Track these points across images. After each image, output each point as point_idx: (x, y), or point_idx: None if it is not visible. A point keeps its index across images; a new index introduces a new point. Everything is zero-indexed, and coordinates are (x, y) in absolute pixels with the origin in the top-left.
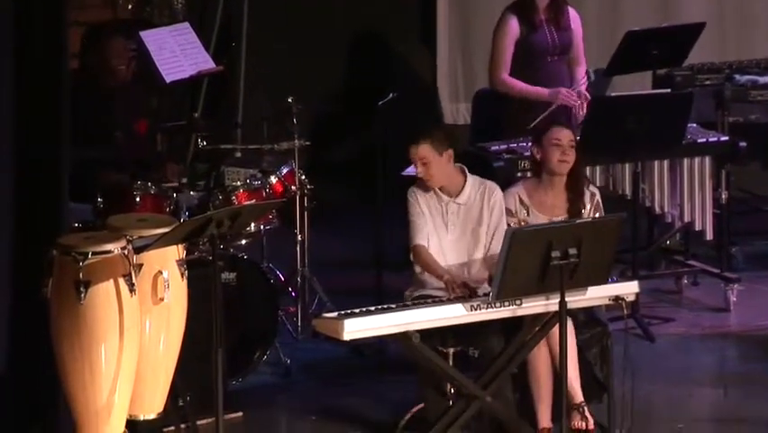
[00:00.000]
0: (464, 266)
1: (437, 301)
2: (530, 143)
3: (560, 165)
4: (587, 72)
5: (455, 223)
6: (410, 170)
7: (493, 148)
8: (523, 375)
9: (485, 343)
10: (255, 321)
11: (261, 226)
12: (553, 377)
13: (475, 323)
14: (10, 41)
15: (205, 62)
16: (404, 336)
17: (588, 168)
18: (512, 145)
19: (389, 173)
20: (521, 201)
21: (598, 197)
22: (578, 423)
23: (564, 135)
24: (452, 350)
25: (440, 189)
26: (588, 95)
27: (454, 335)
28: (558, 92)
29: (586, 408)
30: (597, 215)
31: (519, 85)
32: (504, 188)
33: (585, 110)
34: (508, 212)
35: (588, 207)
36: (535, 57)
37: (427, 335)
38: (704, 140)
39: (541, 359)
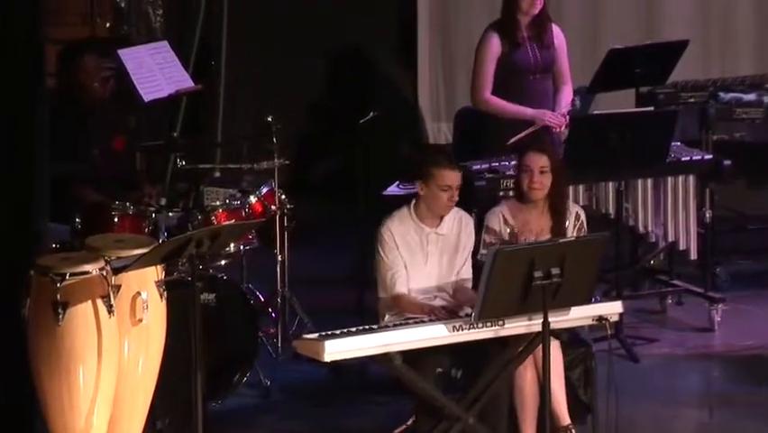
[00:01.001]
0: (441, 294)
1: (419, 322)
2: (514, 164)
3: (530, 192)
4: (572, 100)
5: (434, 253)
6: (392, 190)
7: (475, 167)
8: (509, 395)
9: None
10: (235, 342)
11: (241, 246)
12: (539, 398)
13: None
14: None
15: (184, 81)
16: (385, 358)
17: (571, 186)
18: (494, 164)
19: (371, 192)
20: (505, 221)
21: (583, 217)
22: None
23: (535, 161)
24: (439, 370)
25: (421, 221)
26: (567, 121)
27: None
28: (543, 114)
29: (573, 430)
30: (581, 234)
31: (502, 104)
32: (485, 208)
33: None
34: (492, 231)
35: (572, 225)
36: (518, 75)
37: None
38: (688, 158)
39: (527, 380)
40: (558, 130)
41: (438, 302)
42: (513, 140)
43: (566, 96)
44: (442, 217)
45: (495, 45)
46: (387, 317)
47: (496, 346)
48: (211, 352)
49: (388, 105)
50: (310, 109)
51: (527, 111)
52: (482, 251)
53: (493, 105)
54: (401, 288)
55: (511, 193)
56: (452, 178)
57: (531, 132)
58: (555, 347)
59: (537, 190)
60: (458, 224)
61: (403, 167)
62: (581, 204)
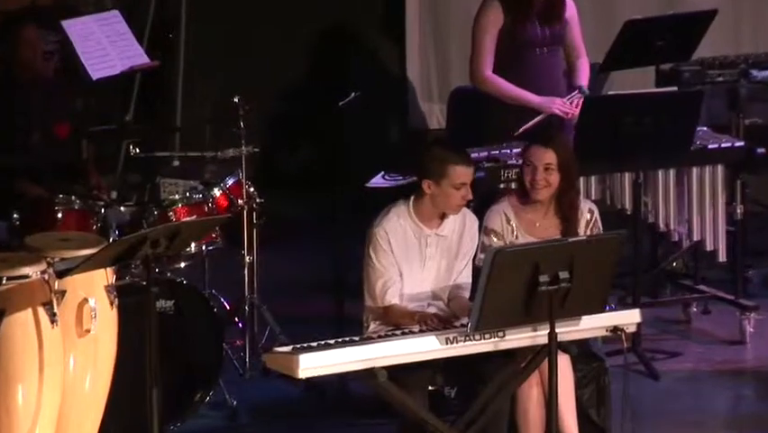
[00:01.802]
0: (437, 302)
1: (407, 333)
2: (516, 152)
3: (531, 189)
4: (579, 88)
5: (433, 257)
6: (376, 181)
7: (472, 156)
8: (512, 417)
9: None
10: (196, 356)
11: (203, 247)
12: (546, 421)
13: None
14: None
15: (138, 56)
16: (368, 374)
17: (582, 178)
18: (494, 152)
19: (352, 184)
20: (507, 221)
21: (596, 213)
22: None
23: (538, 157)
24: (430, 388)
25: (421, 221)
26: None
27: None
28: (551, 102)
29: None
30: (594, 233)
31: (505, 86)
32: (485, 202)
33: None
34: (494, 233)
35: (583, 224)
36: (523, 49)
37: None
38: (716, 145)
39: (532, 400)
40: (569, 116)
41: (432, 311)
42: (519, 131)
43: (584, 70)
44: (444, 217)
45: (496, 15)
46: (371, 327)
47: (495, 361)
48: (168, 367)
49: (371, 84)
50: (283, 89)
51: (533, 98)
52: (480, 255)
53: (494, 85)
54: (393, 298)
55: (513, 186)
56: (467, 174)
57: (539, 120)
58: (564, 362)
59: (540, 190)
60: (461, 225)
61: (399, 159)
62: (594, 198)
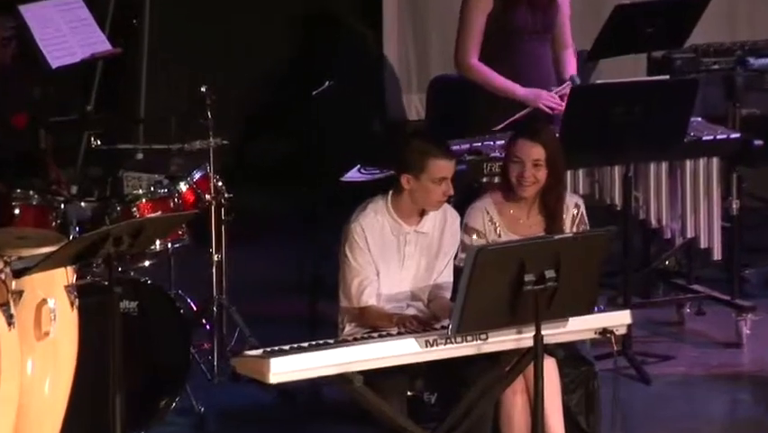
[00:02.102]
0: (416, 303)
1: (384, 336)
2: (500, 144)
3: (518, 186)
4: (571, 78)
5: (412, 256)
6: (352, 175)
7: (453, 148)
8: (495, 424)
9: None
10: (162, 360)
11: (169, 244)
12: (531, 428)
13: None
14: None
15: (100, 43)
16: (344, 379)
17: (569, 172)
18: (476, 144)
19: (327, 178)
20: (490, 219)
21: (582, 208)
22: None
23: (526, 152)
24: (409, 393)
25: (400, 217)
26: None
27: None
28: (537, 96)
29: None
30: (581, 229)
31: (491, 75)
32: (465, 197)
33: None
34: (475, 231)
35: (569, 220)
36: (511, 36)
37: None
38: (711, 137)
39: (517, 406)
40: (556, 110)
41: (410, 312)
42: (500, 126)
43: (571, 62)
44: (424, 213)
45: (485, 0)
46: (347, 329)
47: (478, 365)
48: (132, 371)
49: (347, 72)
50: (253, 78)
51: (518, 90)
52: (461, 255)
53: (479, 74)
54: (370, 298)
55: (497, 180)
56: (449, 168)
57: (523, 115)
58: (550, 367)
59: (528, 186)
60: (441, 221)
61: (377, 152)
62: (582, 193)
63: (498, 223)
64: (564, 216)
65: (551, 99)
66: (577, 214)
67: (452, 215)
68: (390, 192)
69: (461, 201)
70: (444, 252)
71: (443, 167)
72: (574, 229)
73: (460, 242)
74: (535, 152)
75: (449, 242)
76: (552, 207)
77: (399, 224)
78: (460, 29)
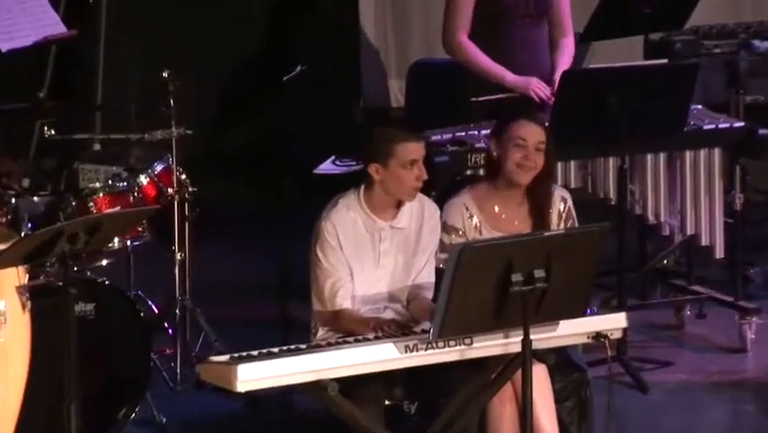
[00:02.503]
0: (394, 304)
1: (361, 341)
2: (486, 133)
3: (518, 172)
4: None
5: (388, 253)
6: (326, 167)
7: (434, 137)
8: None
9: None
10: (120, 367)
11: (128, 242)
12: None
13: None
14: None
15: (53, 25)
16: (317, 387)
17: (560, 164)
18: (459, 134)
19: (299, 170)
20: (470, 215)
21: (569, 202)
22: None
23: (532, 133)
24: (387, 403)
25: (374, 212)
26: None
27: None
28: (528, 83)
29: None
30: (569, 225)
31: (480, 57)
32: (448, 191)
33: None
34: (454, 230)
35: (555, 215)
36: (503, 18)
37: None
38: (712, 126)
39: (505, 416)
40: (544, 99)
41: (388, 315)
42: (480, 99)
43: (568, 52)
44: (399, 207)
45: None
46: (320, 333)
47: (462, 372)
48: (89, 378)
49: (320, 57)
50: (219, 62)
51: (509, 76)
52: (440, 255)
53: (468, 54)
54: (344, 301)
55: (482, 172)
56: (417, 150)
57: (505, 97)
58: (540, 373)
59: (528, 171)
60: (419, 215)
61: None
62: (574, 186)
63: (479, 219)
64: (550, 210)
65: (542, 88)
66: (564, 208)
67: (431, 208)
68: (362, 186)
69: (444, 196)
70: (423, 248)
71: (412, 149)
72: (561, 225)
73: (439, 241)
74: (539, 133)
75: (427, 237)
76: (541, 202)
77: (373, 219)
78: (447, 5)
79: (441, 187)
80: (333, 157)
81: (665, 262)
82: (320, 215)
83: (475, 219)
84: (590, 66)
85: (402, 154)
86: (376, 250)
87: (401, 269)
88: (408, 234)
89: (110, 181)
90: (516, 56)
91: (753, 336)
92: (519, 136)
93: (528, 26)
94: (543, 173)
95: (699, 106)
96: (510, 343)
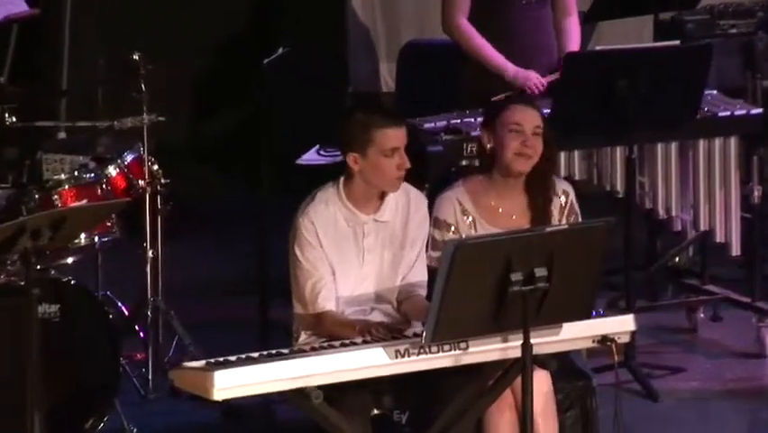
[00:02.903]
0: (382, 305)
1: (347, 345)
2: (478, 121)
3: (517, 161)
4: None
5: (373, 249)
6: (309, 157)
7: (427, 125)
8: None
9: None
10: (87, 373)
11: (96, 238)
12: None
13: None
14: None
15: (14, 3)
16: (300, 395)
17: (562, 154)
18: (454, 121)
19: (281, 161)
20: (463, 210)
21: (572, 195)
22: None
23: (527, 117)
24: (375, 412)
25: (355, 205)
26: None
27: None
28: (527, 77)
29: None
30: (571, 220)
31: (479, 42)
32: (442, 183)
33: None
34: (446, 226)
35: (557, 209)
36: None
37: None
38: (728, 113)
39: (504, 427)
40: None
41: (376, 317)
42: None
43: (573, 33)
44: (382, 199)
45: None
46: (302, 337)
47: (456, 379)
48: (53, 386)
49: (304, 38)
50: (194, 43)
51: (508, 67)
52: (431, 253)
53: (467, 38)
54: (326, 302)
55: (477, 163)
56: (398, 136)
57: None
58: (542, 380)
59: (528, 159)
60: (405, 206)
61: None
62: (578, 178)
63: (474, 215)
64: (551, 204)
65: (539, 85)
66: (566, 202)
67: (417, 198)
68: (342, 178)
69: (438, 189)
70: (412, 241)
71: (392, 135)
72: (563, 220)
73: (430, 237)
74: (536, 117)
75: (416, 230)
76: (540, 194)
77: (355, 213)
78: None
79: (434, 179)
80: (317, 146)
81: (677, 259)
82: (297, 212)
83: (470, 215)
84: (596, 48)
85: (381, 142)
86: (359, 246)
87: (388, 265)
88: (394, 227)
89: (76, 172)
90: (518, 38)
91: None
92: (514, 122)
93: (530, 6)
94: (541, 162)
95: (714, 92)
96: (509, 347)
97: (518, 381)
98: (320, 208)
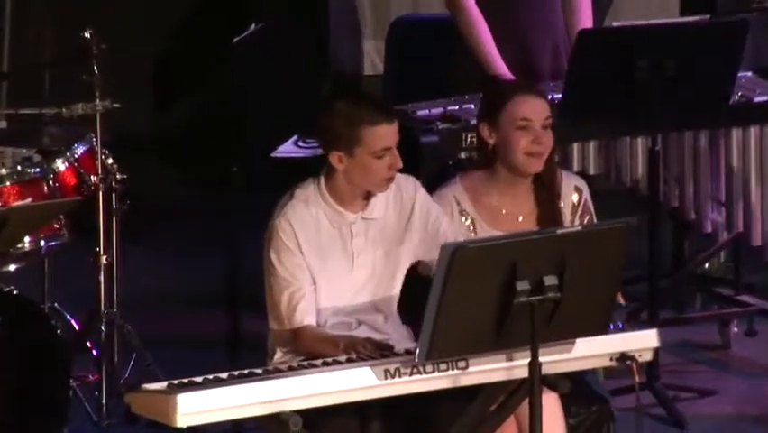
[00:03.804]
0: (373, 316)
1: (330, 364)
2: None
3: (529, 162)
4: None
5: (364, 251)
6: (286, 149)
7: (420, 113)
8: None
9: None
10: (32, 396)
11: (42, 242)
12: None
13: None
14: None
15: None
16: (276, 421)
17: (575, 145)
18: (452, 108)
19: (253, 153)
20: (461, 211)
21: (585, 193)
22: None
23: (536, 109)
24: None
25: (340, 204)
26: None
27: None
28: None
29: None
30: (585, 221)
31: (478, 31)
32: (436, 178)
33: None
34: None
35: (568, 209)
36: None
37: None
38: (765, 98)
39: None
40: None
41: (362, 332)
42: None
43: (585, 8)
44: (369, 197)
45: None
46: (278, 355)
47: (455, 403)
48: None
49: (280, 13)
50: (155, 20)
51: (501, 66)
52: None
53: (469, 24)
54: (305, 316)
55: (475, 155)
56: (390, 135)
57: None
58: (552, 404)
59: (542, 157)
60: (396, 197)
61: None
62: (593, 172)
63: (473, 216)
64: (561, 203)
65: None
66: (579, 200)
67: (408, 186)
68: (323, 175)
69: (433, 184)
70: (409, 233)
71: (383, 134)
72: (576, 221)
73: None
74: (544, 108)
75: (419, 220)
76: (547, 178)
77: (340, 212)
78: None
79: (429, 173)
80: (295, 137)
81: (707, 266)
82: (273, 213)
83: (468, 215)
84: (614, 24)
85: (371, 142)
86: (348, 249)
87: (382, 266)
88: (385, 222)
89: (19, 167)
90: (525, 14)
91: None
92: (522, 117)
93: None
94: (549, 157)
95: (749, 74)
96: (515, 367)
97: (524, 405)
98: (299, 209)
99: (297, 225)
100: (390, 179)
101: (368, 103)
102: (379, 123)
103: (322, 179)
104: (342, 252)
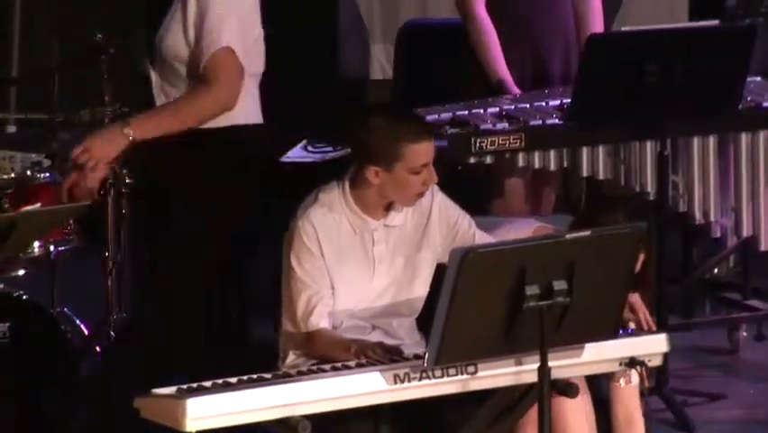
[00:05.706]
0: (388, 318)
1: (340, 369)
2: (493, 111)
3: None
4: None
5: (385, 258)
6: (296, 154)
7: (431, 117)
8: None
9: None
10: (41, 401)
11: (52, 247)
12: None
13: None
14: None
15: None
16: (286, 426)
17: (585, 149)
18: (461, 113)
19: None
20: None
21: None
22: None
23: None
24: None
25: (365, 211)
26: None
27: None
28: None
29: None
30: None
31: (486, 39)
32: (447, 184)
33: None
34: None
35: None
36: None
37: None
38: None
39: None
40: None
41: (375, 337)
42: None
43: (597, 14)
44: (390, 207)
45: None
46: (289, 358)
47: (464, 408)
48: (1, 416)
49: (288, 17)
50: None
51: (507, 78)
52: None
53: (479, 33)
54: (320, 319)
55: (489, 159)
56: (430, 151)
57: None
58: (579, 406)
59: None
60: (416, 209)
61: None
62: (603, 177)
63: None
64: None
65: None
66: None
67: (427, 194)
68: (347, 180)
69: (442, 189)
70: (429, 241)
71: (425, 151)
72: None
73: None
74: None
75: (426, 227)
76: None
77: (363, 219)
78: None
79: (439, 180)
80: (303, 142)
81: (716, 271)
82: (295, 213)
83: None
84: (623, 28)
85: (411, 158)
86: (369, 256)
87: (401, 272)
88: (405, 230)
89: (28, 172)
90: (537, 19)
91: None
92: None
93: None
94: None
95: (758, 78)
96: (524, 371)
97: (534, 409)
98: (323, 212)
99: (321, 228)
100: (422, 195)
101: (408, 119)
102: (420, 140)
103: (347, 185)
104: (364, 258)
